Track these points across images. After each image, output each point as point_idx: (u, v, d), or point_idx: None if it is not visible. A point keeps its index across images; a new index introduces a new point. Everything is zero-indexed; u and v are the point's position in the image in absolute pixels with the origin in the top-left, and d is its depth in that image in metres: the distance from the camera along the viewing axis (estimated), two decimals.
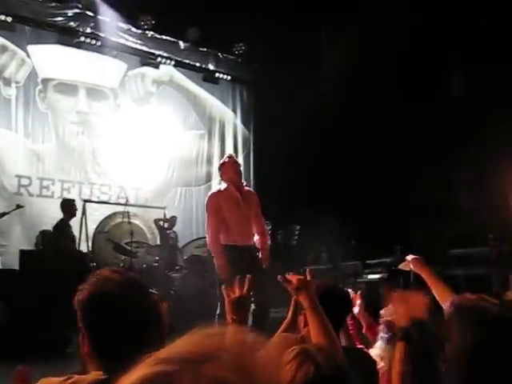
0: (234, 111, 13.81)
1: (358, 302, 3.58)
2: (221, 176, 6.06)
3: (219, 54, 13.02)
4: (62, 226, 8.52)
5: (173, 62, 12.40)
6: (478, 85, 11.28)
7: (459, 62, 11.94)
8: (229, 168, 5.94)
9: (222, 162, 6.05)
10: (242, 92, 13.97)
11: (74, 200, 9.10)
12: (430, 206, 10.59)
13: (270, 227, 11.33)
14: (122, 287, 1.72)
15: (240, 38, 12.67)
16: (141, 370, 0.67)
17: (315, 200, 11.52)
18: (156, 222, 10.36)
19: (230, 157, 6.17)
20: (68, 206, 8.71)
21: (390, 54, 10.56)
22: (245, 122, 13.92)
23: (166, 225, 10.25)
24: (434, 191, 10.74)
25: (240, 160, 13.62)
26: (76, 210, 8.80)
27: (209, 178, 13.08)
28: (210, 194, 6.14)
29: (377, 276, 9.46)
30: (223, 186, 6.00)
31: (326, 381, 1.45)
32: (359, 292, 3.76)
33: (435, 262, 10.67)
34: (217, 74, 13.10)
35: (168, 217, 10.32)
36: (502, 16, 9.68)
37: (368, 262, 10.25)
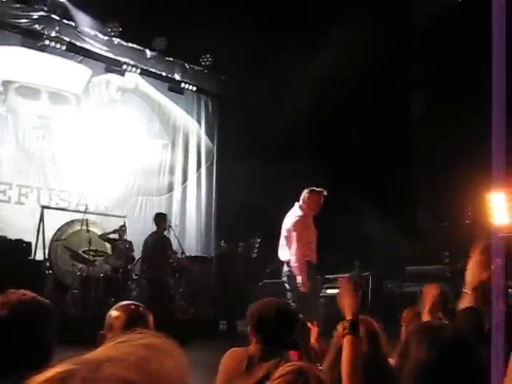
0: (199, 122, 13.81)
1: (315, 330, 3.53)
2: (306, 199, 6.52)
3: (186, 64, 13.02)
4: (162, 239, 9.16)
5: (138, 70, 12.32)
6: (439, 106, 11.57)
7: (420, 84, 12.25)
8: (318, 200, 6.47)
9: (315, 190, 6.54)
10: (207, 103, 13.99)
11: (166, 214, 9.56)
12: (390, 223, 10.76)
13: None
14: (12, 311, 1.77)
15: (207, 49, 12.71)
16: (50, 370, 0.72)
17: (277, 213, 11.58)
18: (102, 237, 9.87)
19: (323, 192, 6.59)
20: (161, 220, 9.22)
21: (357, 68, 10.75)
22: (209, 134, 13.93)
23: (115, 236, 9.88)
24: (395, 209, 10.93)
25: (203, 171, 13.66)
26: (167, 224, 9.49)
27: (170, 188, 13.01)
28: (298, 218, 6.47)
29: (337, 291, 9.51)
30: (303, 211, 6.52)
31: None
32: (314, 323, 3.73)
33: (392, 278, 10.89)
34: (182, 85, 13.08)
35: (117, 227, 9.96)
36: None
37: (328, 276, 10.33)
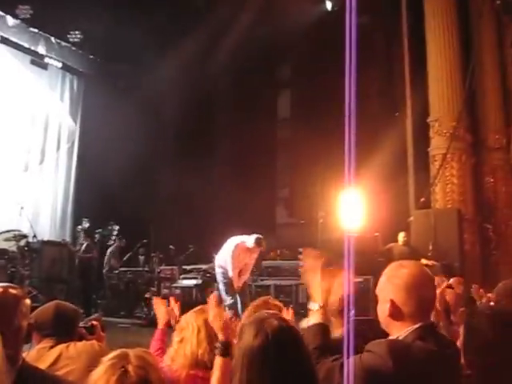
0: (62, 100, 13.11)
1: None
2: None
3: (52, 38, 12.26)
4: None
5: None
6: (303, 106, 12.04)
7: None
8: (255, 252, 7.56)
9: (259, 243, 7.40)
10: (73, 81, 13.32)
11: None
12: (250, 221, 11.01)
13: (88, 225, 10.97)
14: None
15: (77, 26, 12.05)
16: None
17: (137, 200, 11.40)
18: None
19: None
20: None
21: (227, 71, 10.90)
22: (72, 113, 13.27)
23: None
24: (250, 206, 11.18)
25: (63, 151, 13.01)
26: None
27: (26, 168, 12.21)
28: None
29: (193, 282, 9.57)
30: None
31: None
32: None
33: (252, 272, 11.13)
34: (47, 59, 12.29)
35: None
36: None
37: (184, 267, 10.36)
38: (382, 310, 2.05)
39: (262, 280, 9.93)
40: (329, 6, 12.06)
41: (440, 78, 10.30)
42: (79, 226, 11.17)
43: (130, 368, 1.53)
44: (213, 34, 10.72)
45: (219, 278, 7.54)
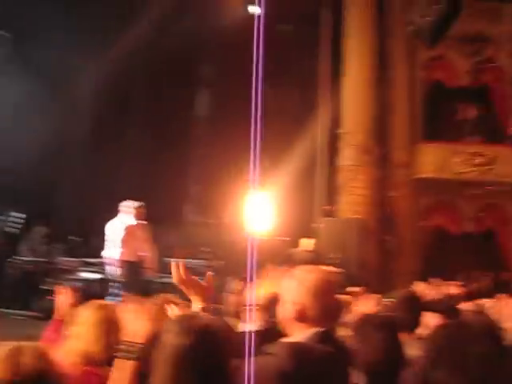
0: None
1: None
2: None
3: None
4: None
5: None
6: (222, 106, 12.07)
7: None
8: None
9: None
10: None
11: None
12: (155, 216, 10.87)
13: None
14: None
15: None
16: None
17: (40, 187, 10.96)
18: None
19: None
20: None
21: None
22: None
23: None
24: (164, 202, 11.06)
25: None
26: None
27: None
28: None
29: (95, 276, 9.32)
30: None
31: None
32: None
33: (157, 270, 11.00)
34: None
35: None
36: None
37: (87, 260, 10.06)
38: (285, 311, 2.09)
39: (164, 277, 9.82)
40: (253, 10, 12.13)
41: (353, 91, 10.67)
42: None
43: (25, 359, 1.50)
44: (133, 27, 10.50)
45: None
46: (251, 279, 1.86)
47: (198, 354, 1.63)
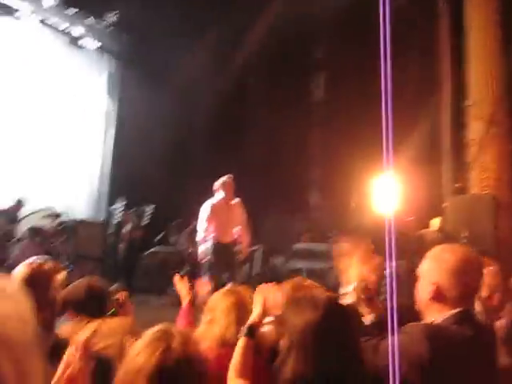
0: (100, 82, 13.21)
1: None
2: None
3: (89, 18, 12.31)
4: None
5: (37, 20, 11.45)
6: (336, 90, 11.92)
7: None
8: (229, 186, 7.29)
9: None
10: (111, 63, 13.40)
11: None
12: (280, 201, 10.99)
13: (124, 204, 11.11)
14: None
15: (114, 5, 12.10)
16: None
17: (171, 182, 11.49)
18: None
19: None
20: None
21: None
22: (110, 94, 13.37)
23: None
24: (283, 188, 11.16)
25: (101, 133, 13.17)
26: None
27: (63, 148, 12.38)
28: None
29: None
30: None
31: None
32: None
33: (280, 254, 11.21)
34: (83, 40, 12.37)
35: None
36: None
37: None
38: (423, 292, 2.04)
39: (293, 263, 9.95)
40: None
41: (479, 61, 10.07)
42: (114, 206, 11.33)
43: (174, 344, 1.50)
44: (246, 20, 10.66)
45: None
46: (390, 259, 1.84)
47: (329, 328, 1.69)
